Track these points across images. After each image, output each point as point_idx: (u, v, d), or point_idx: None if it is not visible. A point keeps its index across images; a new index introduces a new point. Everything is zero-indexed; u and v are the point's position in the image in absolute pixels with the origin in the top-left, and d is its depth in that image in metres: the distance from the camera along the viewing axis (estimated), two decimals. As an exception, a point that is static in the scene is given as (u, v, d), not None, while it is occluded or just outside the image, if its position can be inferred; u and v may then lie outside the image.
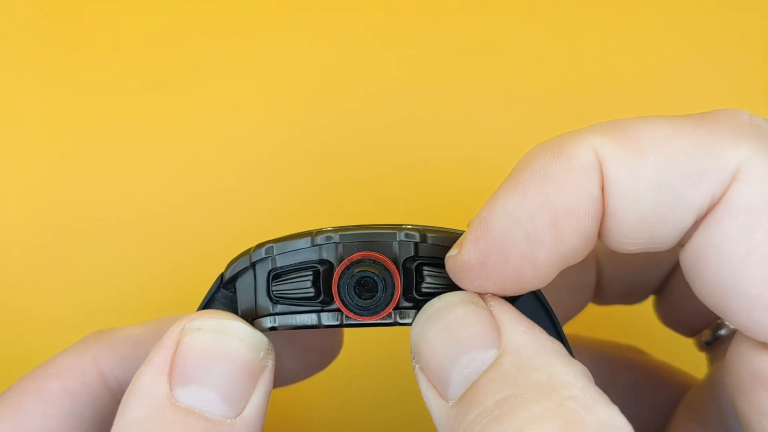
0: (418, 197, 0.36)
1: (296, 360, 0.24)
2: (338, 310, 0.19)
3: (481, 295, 0.18)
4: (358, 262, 0.18)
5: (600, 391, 0.16)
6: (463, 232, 0.19)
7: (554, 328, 0.20)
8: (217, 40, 0.38)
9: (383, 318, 0.19)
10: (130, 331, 0.23)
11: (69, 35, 0.38)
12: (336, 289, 0.18)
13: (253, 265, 0.19)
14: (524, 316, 0.18)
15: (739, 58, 0.37)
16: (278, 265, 0.19)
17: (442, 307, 0.18)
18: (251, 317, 0.20)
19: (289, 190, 0.37)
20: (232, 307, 0.20)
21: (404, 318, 0.19)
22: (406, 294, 0.19)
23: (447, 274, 0.19)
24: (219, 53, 0.38)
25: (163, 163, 0.38)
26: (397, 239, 0.19)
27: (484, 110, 0.37)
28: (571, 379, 0.16)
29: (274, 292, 0.19)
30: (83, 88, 0.38)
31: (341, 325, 0.19)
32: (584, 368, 0.17)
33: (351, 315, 0.18)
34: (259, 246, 0.19)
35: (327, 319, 0.19)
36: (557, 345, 0.17)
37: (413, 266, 0.19)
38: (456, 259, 0.18)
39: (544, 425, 0.15)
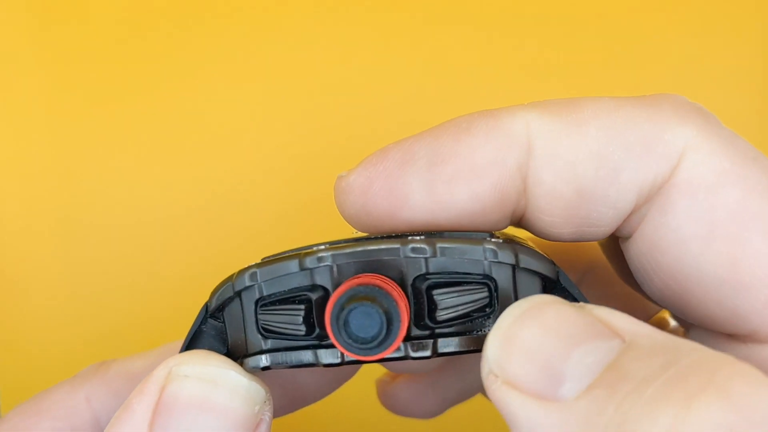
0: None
1: (321, 373, 0.22)
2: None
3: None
4: (353, 291, 0.14)
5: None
6: (485, 232, 0.17)
7: None
8: (226, 37, 0.37)
9: (392, 353, 0.15)
10: (127, 364, 0.21)
11: (71, 35, 0.37)
12: (329, 326, 0.15)
13: (238, 293, 0.16)
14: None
15: (740, 56, 0.37)
16: (265, 293, 0.16)
17: (532, 307, 0.14)
18: (242, 354, 0.17)
19: (298, 192, 0.37)
20: (221, 340, 0.17)
21: (419, 350, 0.16)
22: (418, 321, 0.16)
23: (469, 290, 0.16)
24: (228, 51, 0.37)
25: (164, 167, 0.37)
26: (402, 255, 0.15)
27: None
28: (728, 359, 0.13)
29: (263, 326, 0.16)
30: (84, 89, 0.37)
31: (343, 364, 0.16)
32: None
33: (350, 354, 0.15)
34: (242, 272, 0.16)
35: (326, 356, 0.16)
36: None
37: (424, 286, 0.16)
38: (342, 179, 0.17)
39: (710, 402, 0.12)
